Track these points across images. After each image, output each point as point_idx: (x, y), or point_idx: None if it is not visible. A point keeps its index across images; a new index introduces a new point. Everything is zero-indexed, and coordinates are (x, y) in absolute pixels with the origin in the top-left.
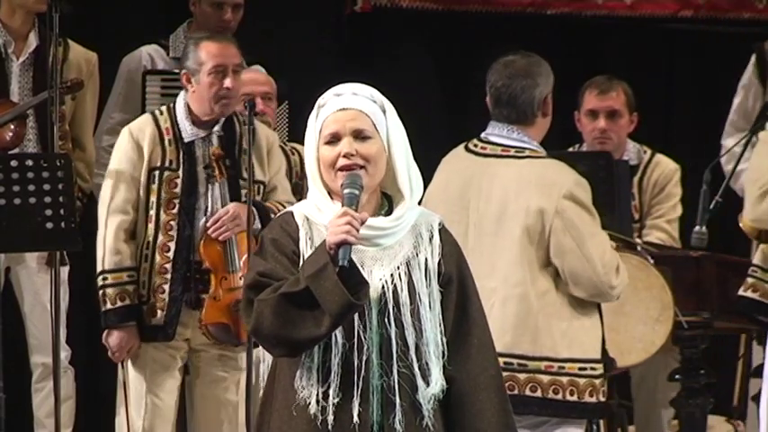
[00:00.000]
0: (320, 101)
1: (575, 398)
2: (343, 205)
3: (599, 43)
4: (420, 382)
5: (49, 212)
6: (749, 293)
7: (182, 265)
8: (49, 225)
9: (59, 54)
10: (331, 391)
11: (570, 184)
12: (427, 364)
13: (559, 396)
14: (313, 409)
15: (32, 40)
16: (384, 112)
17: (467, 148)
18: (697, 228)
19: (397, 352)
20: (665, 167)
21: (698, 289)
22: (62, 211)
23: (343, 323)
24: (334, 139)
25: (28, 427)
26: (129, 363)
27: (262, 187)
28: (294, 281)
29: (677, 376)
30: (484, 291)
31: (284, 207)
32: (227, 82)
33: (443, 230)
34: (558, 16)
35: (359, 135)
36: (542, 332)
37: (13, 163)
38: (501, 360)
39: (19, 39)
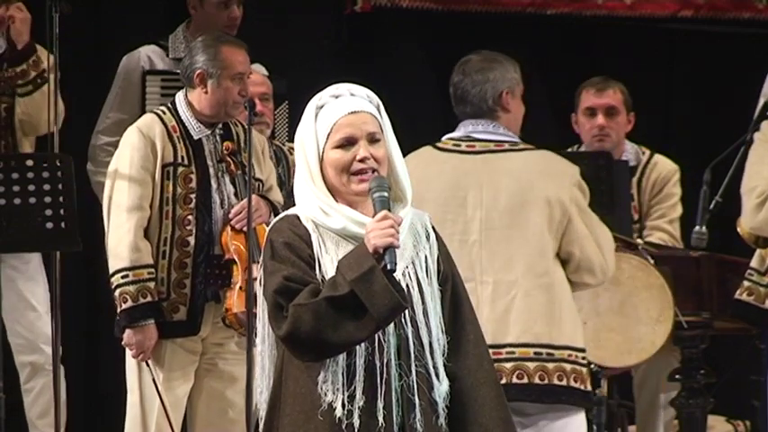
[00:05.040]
0: (317, 101)
1: (584, 386)
2: (375, 210)
3: (599, 43)
4: (435, 380)
5: (49, 212)
6: (744, 297)
7: (203, 259)
8: (49, 225)
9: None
10: (357, 394)
11: (574, 172)
12: (437, 362)
13: (580, 385)
14: (339, 412)
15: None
16: (380, 112)
17: (440, 149)
18: (697, 228)
19: (414, 352)
20: (664, 168)
21: (698, 289)
22: (62, 211)
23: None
24: (348, 142)
25: (25, 427)
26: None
27: (261, 185)
28: (332, 285)
29: (677, 376)
30: (501, 284)
31: (281, 204)
32: (246, 88)
33: (433, 227)
34: (558, 16)
35: (372, 138)
36: (564, 322)
37: (14, 163)
38: (531, 350)
39: None
